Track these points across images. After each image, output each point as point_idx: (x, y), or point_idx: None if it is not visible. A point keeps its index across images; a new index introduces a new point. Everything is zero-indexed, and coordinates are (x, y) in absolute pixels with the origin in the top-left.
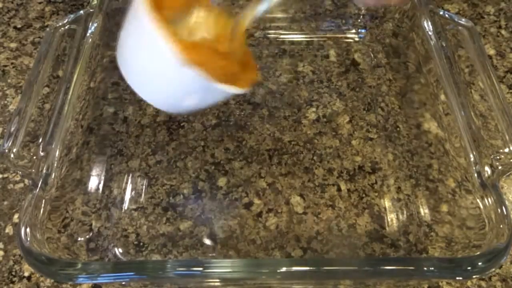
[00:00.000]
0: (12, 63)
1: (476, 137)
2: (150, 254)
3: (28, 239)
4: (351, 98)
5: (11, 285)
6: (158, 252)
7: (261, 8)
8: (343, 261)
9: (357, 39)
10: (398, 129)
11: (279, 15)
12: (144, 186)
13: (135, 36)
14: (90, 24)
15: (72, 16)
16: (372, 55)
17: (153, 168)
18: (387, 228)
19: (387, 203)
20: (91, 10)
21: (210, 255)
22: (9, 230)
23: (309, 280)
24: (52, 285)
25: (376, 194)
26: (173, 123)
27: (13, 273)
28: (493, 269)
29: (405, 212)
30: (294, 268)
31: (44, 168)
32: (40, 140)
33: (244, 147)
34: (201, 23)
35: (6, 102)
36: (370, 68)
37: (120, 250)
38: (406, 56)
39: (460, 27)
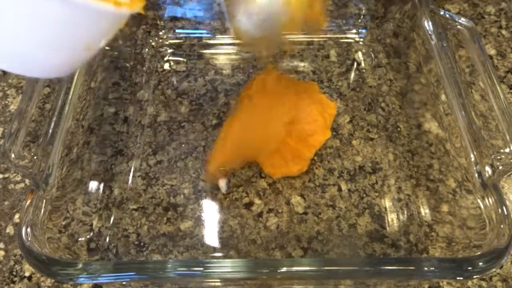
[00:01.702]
0: None
1: (476, 137)
2: (150, 254)
3: (29, 239)
4: (352, 98)
5: (12, 285)
6: (159, 252)
7: None
8: (343, 261)
9: (357, 39)
10: (398, 129)
11: None
12: (144, 186)
13: None
14: None
15: None
16: (372, 55)
17: (153, 168)
18: (387, 228)
19: (387, 203)
20: None
21: (211, 255)
22: (10, 230)
23: (309, 280)
24: (52, 285)
25: (377, 194)
26: (173, 123)
27: (14, 273)
28: (494, 269)
29: (405, 212)
30: (295, 268)
31: (45, 168)
32: (41, 140)
33: None
34: None
35: (7, 102)
36: (371, 68)
37: (121, 250)
38: (406, 56)
39: (460, 27)
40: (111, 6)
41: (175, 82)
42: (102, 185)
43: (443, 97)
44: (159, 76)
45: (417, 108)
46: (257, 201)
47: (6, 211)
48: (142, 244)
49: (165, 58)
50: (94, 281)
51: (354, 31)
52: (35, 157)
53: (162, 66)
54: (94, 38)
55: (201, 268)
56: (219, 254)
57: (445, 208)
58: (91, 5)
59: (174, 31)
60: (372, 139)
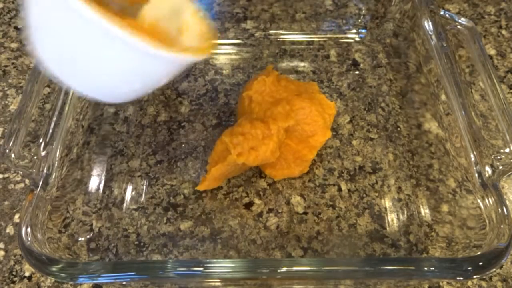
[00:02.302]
0: (13, 63)
1: (476, 137)
2: (150, 254)
3: (29, 239)
4: (352, 98)
5: (12, 285)
6: (159, 252)
7: None
8: (343, 261)
9: (357, 39)
10: (398, 129)
11: (280, 15)
12: (144, 186)
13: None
14: None
15: None
16: (372, 55)
17: (153, 168)
18: (387, 228)
19: (387, 203)
20: None
21: (211, 255)
22: (10, 230)
23: (309, 280)
24: (52, 285)
25: (377, 194)
26: (173, 123)
27: (14, 273)
28: (494, 269)
29: (405, 212)
30: (295, 268)
31: (45, 168)
32: (41, 140)
33: None
34: None
35: (7, 102)
36: (371, 68)
37: (121, 250)
38: (406, 56)
39: (460, 27)
40: (195, 56)
41: (175, 82)
42: (102, 185)
43: (443, 97)
44: None
45: (417, 108)
46: (257, 201)
47: (6, 211)
48: (142, 244)
49: None
50: (94, 281)
51: (354, 31)
52: (35, 157)
53: None
54: (166, 79)
55: (201, 268)
56: (219, 254)
57: (445, 208)
58: (185, 58)
59: None
60: (372, 139)
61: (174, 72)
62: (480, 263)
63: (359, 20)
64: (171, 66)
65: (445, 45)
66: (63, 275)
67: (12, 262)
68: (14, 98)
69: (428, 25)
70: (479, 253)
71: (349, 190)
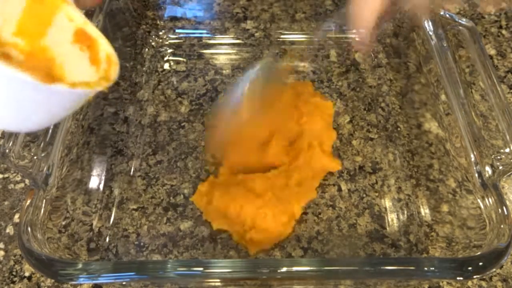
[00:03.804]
0: None
1: (476, 137)
2: (150, 254)
3: (29, 239)
4: (352, 98)
5: (11, 285)
6: (159, 252)
7: None
8: (343, 261)
9: (357, 39)
10: (398, 129)
11: (280, 15)
12: (144, 186)
13: None
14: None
15: None
16: (372, 55)
17: (153, 168)
18: (387, 228)
19: (387, 203)
20: (91, 10)
21: (211, 255)
22: (10, 230)
23: (309, 280)
24: (52, 285)
25: (377, 194)
26: (173, 123)
27: (14, 273)
28: (494, 269)
29: (405, 212)
30: (295, 268)
31: (45, 168)
32: (41, 140)
33: None
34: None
35: None
36: (371, 68)
37: (121, 250)
38: (406, 56)
39: (460, 27)
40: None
41: (175, 82)
42: (102, 185)
43: (443, 97)
44: (159, 76)
45: (417, 108)
46: None
47: (6, 211)
48: (142, 244)
49: (165, 58)
50: (94, 281)
51: (354, 31)
52: (35, 157)
53: (162, 66)
54: (60, 111)
55: (201, 268)
56: (219, 254)
57: (445, 208)
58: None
59: (174, 31)
60: (372, 139)
61: (74, 103)
62: (480, 263)
63: None
64: (65, 98)
65: (445, 45)
66: (62, 275)
67: (12, 262)
68: None
69: (428, 25)
70: (479, 253)
71: (349, 190)
